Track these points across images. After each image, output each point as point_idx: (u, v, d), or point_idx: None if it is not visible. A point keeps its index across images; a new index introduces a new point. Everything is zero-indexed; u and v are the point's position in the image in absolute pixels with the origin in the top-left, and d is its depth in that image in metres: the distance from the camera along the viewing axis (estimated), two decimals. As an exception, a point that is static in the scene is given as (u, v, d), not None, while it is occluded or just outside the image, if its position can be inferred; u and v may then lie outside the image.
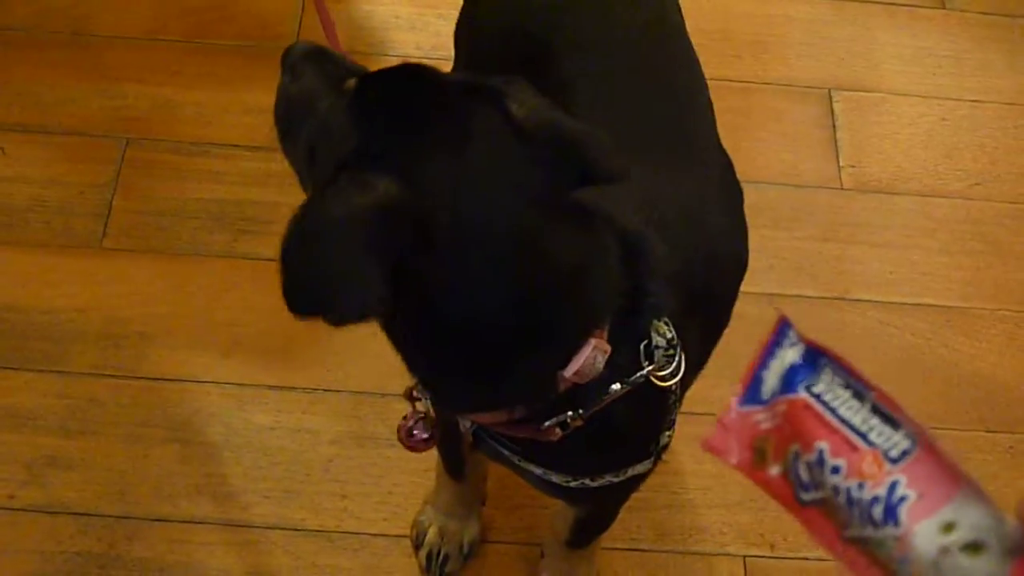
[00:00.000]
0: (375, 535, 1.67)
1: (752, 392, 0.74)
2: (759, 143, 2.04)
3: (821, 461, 0.70)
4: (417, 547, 1.69)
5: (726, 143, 1.94)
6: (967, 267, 1.96)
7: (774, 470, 0.73)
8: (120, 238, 1.90)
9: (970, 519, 0.64)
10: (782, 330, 0.75)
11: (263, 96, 2.03)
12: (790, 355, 0.74)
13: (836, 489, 0.69)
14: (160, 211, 1.93)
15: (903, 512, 0.66)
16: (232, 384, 1.78)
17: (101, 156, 1.99)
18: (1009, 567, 0.63)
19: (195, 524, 1.67)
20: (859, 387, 0.70)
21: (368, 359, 1.80)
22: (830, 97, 2.13)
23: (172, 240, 1.91)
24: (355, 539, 1.67)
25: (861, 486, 0.67)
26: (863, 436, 0.69)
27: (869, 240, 1.96)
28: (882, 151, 2.08)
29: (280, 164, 1.95)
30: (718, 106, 2.02)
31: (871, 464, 0.68)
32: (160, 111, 2.04)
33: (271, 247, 1.83)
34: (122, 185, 1.95)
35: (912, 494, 0.66)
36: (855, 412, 0.70)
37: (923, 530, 0.65)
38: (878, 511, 0.66)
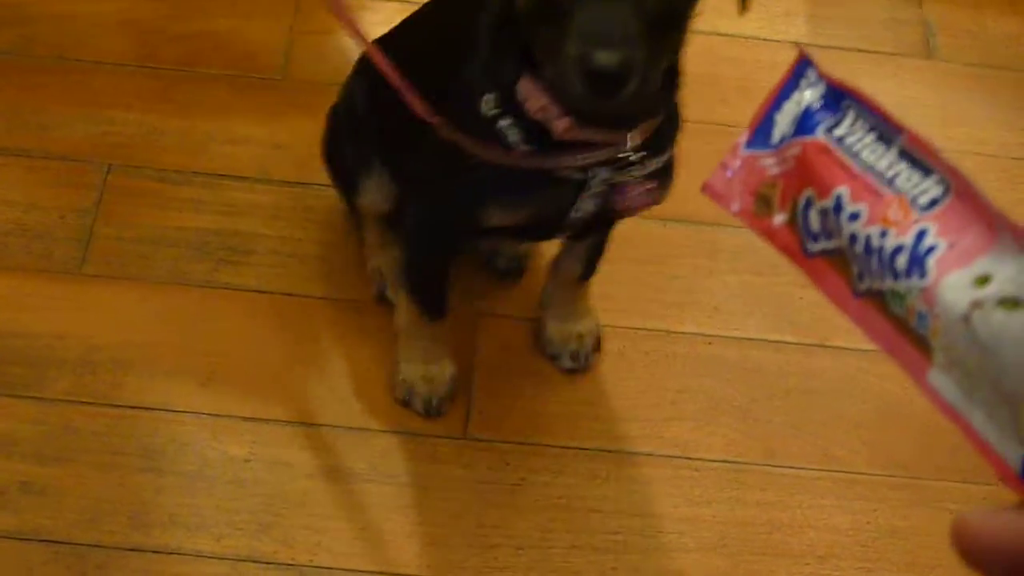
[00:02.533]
0: (349, 570, 1.66)
1: (761, 134, 0.68)
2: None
3: (839, 207, 0.64)
4: (406, 404, 1.78)
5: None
6: None
7: (779, 219, 0.68)
8: (100, 264, 1.90)
9: (1008, 272, 0.57)
10: (800, 68, 0.69)
11: (248, 126, 2.06)
12: (808, 96, 0.67)
13: (854, 237, 0.63)
14: (141, 238, 1.93)
15: (931, 262, 0.59)
16: (208, 415, 1.77)
17: (83, 181, 1.98)
18: None
19: (167, 555, 1.65)
20: (886, 130, 0.63)
21: (347, 394, 1.80)
22: (814, 143, 2.13)
23: (152, 268, 1.90)
24: (327, 573, 1.66)
25: (884, 234, 0.61)
26: (889, 182, 0.62)
27: (851, 287, 1.96)
28: (865, 198, 2.08)
29: (259, 194, 1.97)
30: (705, 149, 2.03)
31: (896, 210, 0.61)
32: (145, 138, 2.04)
33: (252, 278, 1.89)
34: (104, 211, 1.95)
35: (942, 243, 0.59)
36: (880, 156, 0.63)
37: (953, 282, 0.58)
38: (902, 261, 0.60)
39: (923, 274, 0.59)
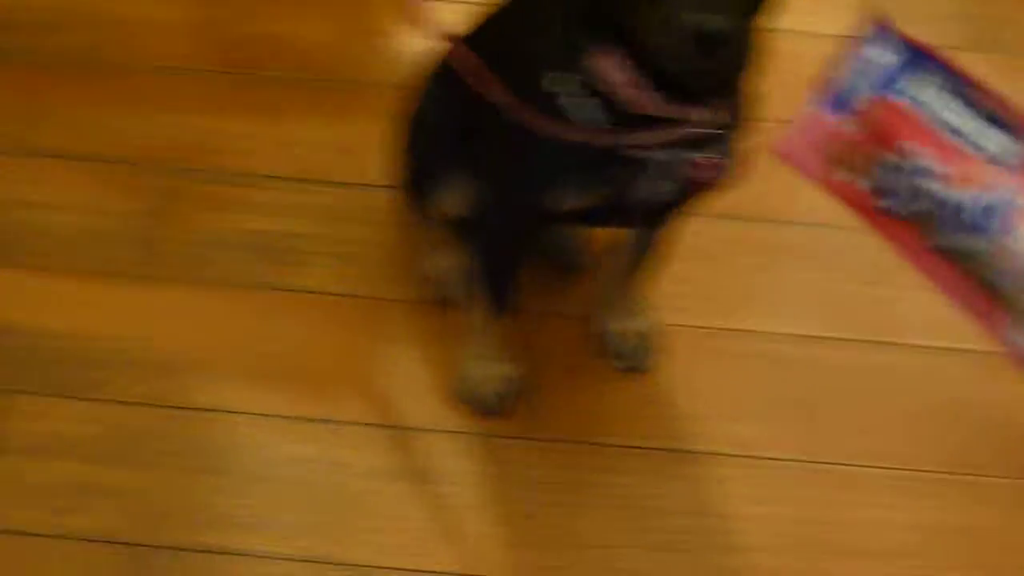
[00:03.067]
0: (408, 570, 1.66)
1: (832, 95, 0.68)
2: (802, 182, 2.02)
3: (916, 166, 0.64)
4: (469, 402, 1.79)
5: (770, 184, 1.93)
6: None
7: (851, 178, 0.68)
8: (163, 267, 1.91)
9: None
10: (879, 30, 0.68)
11: (304, 129, 2.08)
12: (887, 57, 0.67)
13: (933, 196, 0.63)
14: (201, 241, 1.94)
15: (1011, 218, 0.60)
16: (267, 415, 1.78)
17: (147, 185, 2.00)
18: None
19: (232, 555, 1.66)
20: (968, 91, 0.64)
21: (409, 394, 1.80)
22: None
23: (212, 270, 1.91)
24: (386, 574, 1.66)
25: (962, 191, 0.62)
26: (973, 143, 0.63)
27: (912, 282, 1.93)
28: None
29: (319, 196, 1.98)
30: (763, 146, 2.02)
31: (975, 168, 0.62)
32: (203, 141, 2.05)
33: (310, 279, 1.90)
34: (166, 214, 1.96)
35: (1021, 200, 0.60)
36: (966, 119, 0.64)
37: None
38: (988, 218, 0.61)
39: (1010, 231, 0.61)
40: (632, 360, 1.83)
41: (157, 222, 1.95)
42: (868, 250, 1.93)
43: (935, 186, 0.64)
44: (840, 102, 0.69)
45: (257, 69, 2.16)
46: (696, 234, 1.92)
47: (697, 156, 1.40)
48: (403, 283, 1.91)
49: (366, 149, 1.97)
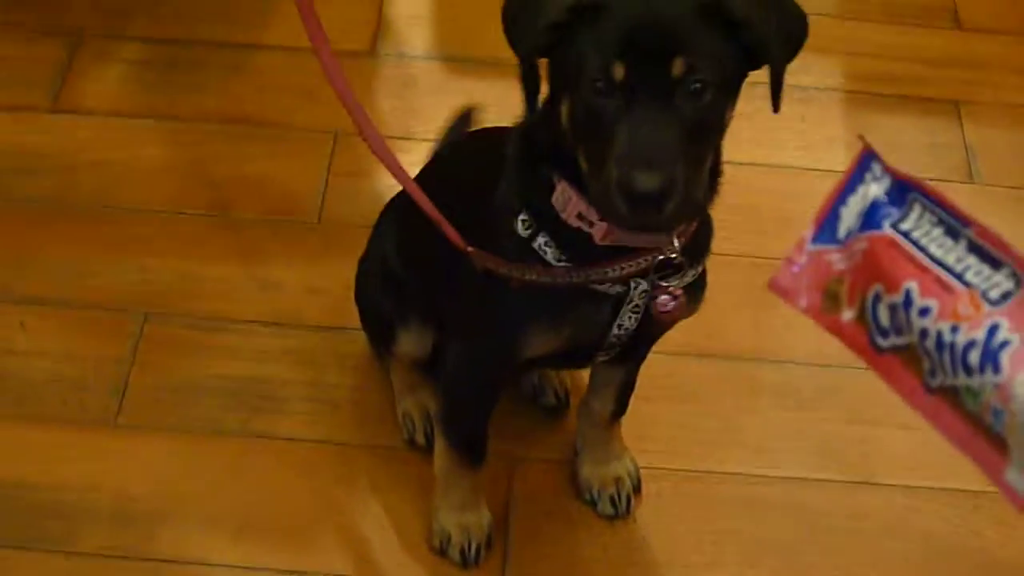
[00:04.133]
0: None
1: (827, 230, 0.69)
2: (786, 321, 2.00)
3: (908, 302, 0.64)
4: (443, 552, 1.74)
5: (746, 318, 1.93)
6: None
7: (847, 314, 0.67)
8: (135, 415, 1.89)
9: None
10: (865, 162, 0.68)
11: (282, 272, 2.06)
12: (874, 189, 0.68)
13: (924, 333, 0.63)
14: (176, 387, 1.92)
15: (1004, 358, 0.59)
16: (242, 567, 1.74)
17: (119, 331, 1.98)
18: None
19: None
20: (954, 223, 0.64)
21: (382, 544, 1.77)
22: (856, 273, 2.10)
23: (187, 417, 1.89)
24: None
25: (955, 329, 0.61)
26: (958, 276, 0.62)
27: (895, 421, 1.91)
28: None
29: (294, 340, 1.96)
30: (747, 283, 2.01)
31: (967, 305, 0.61)
32: (180, 285, 2.04)
33: (284, 426, 1.88)
34: (139, 361, 1.94)
35: (1016, 338, 0.59)
36: (949, 250, 0.64)
37: None
38: (975, 356, 0.60)
39: (997, 370, 0.59)
40: (611, 506, 1.80)
41: (131, 368, 1.93)
42: (852, 389, 1.93)
43: (927, 322, 0.63)
44: (833, 237, 0.69)
45: (232, 211, 2.15)
46: (671, 375, 1.91)
47: (664, 285, 1.42)
48: (379, 429, 1.88)
49: (340, 291, 1.95)
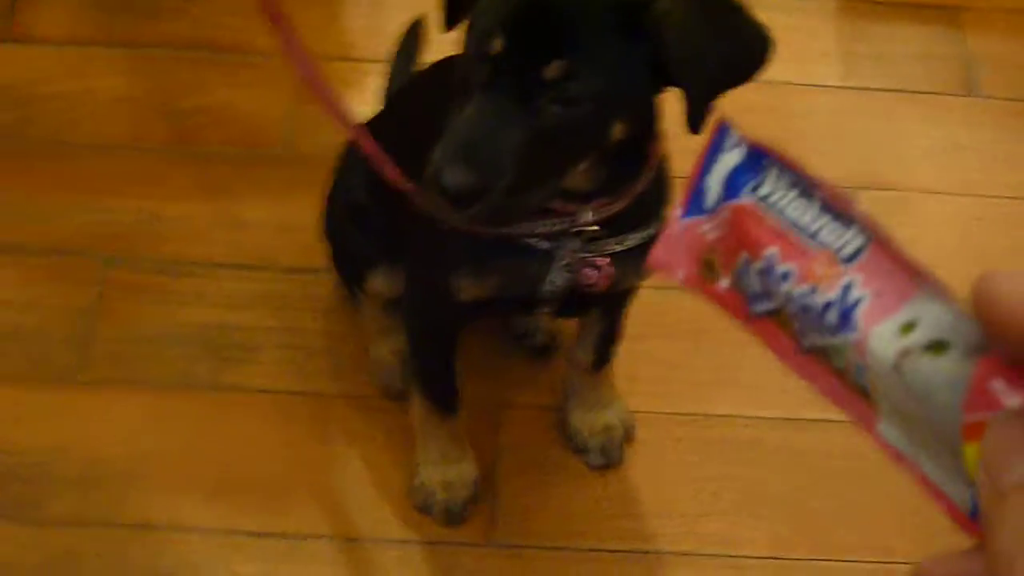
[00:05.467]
0: None
1: (695, 202, 0.68)
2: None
3: (771, 268, 0.63)
4: (427, 511, 1.66)
5: None
6: None
7: (724, 283, 0.66)
8: (101, 369, 1.79)
9: (931, 317, 0.57)
10: (722, 132, 0.67)
11: (251, 209, 1.95)
12: (732, 158, 0.66)
13: (788, 297, 0.62)
14: (143, 338, 1.82)
15: (859, 315, 0.59)
16: (217, 531, 1.66)
17: (82, 277, 1.88)
18: (973, 366, 0.55)
19: None
20: (807, 185, 0.63)
21: (362, 502, 1.69)
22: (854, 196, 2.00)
23: (156, 371, 1.80)
24: None
25: (814, 290, 0.61)
26: (813, 236, 0.62)
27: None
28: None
29: (265, 283, 1.86)
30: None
31: (823, 266, 0.61)
32: (143, 226, 1.93)
33: (256, 377, 1.78)
34: (103, 310, 1.84)
35: (867, 295, 0.59)
36: (803, 212, 0.62)
37: (881, 333, 0.58)
38: (832, 316, 0.60)
39: (853, 327, 0.60)
40: (601, 456, 1.73)
41: (92, 319, 1.83)
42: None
43: (788, 286, 0.62)
44: (701, 208, 0.67)
45: (195, 144, 2.03)
46: (664, 311, 1.82)
47: (586, 256, 1.34)
48: (355, 377, 1.80)
49: (313, 229, 1.84)
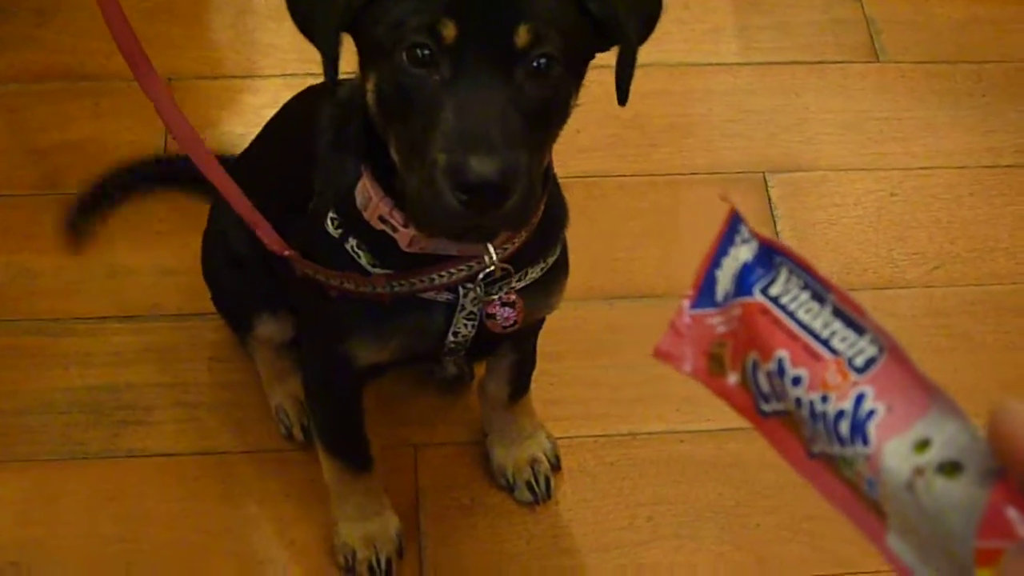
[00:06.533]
0: None
1: (705, 294, 0.69)
2: (691, 247, 1.82)
3: (781, 371, 0.64)
4: (350, 571, 1.56)
5: (653, 249, 1.74)
6: (937, 369, 1.71)
7: (732, 378, 0.67)
8: (-20, 446, 1.66)
9: (945, 436, 0.58)
10: (733, 225, 0.68)
11: (128, 253, 1.81)
12: (743, 252, 0.67)
13: (799, 402, 0.63)
14: (25, 408, 1.69)
15: (872, 428, 0.60)
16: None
17: (-48, 346, 1.74)
18: (988, 490, 0.55)
19: None
20: (819, 288, 0.64)
21: (282, 565, 1.58)
22: (765, 182, 1.91)
23: (42, 444, 1.66)
24: None
25: (825, 399, 0.62)
26: (825, 343, 0.63)
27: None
28: (829, 241, 1.87)
29: (153, 334, 1.73)
30: (640, 207, 1.81)
31: (835, 374, 0.62)
32: (15, 283, 1.79)
33: (158, 439, 1.65)
34: (-26, 379, 1.71)
35: (881, 408, 0.60)
36: (815, 316, 0.64)
37: (894, 448, 0.59)
38: (844, 427, 0.61)
39: (865, 440, 0.60)
40: (528, 492, 1.63)
41: (-33, 390, 1.69)
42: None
43: (799, 392, 0.63)
44: (712, 300, 0.68)
45: (62, 187, 1.88)
46: (579, 324, 1.73)
47: (492, 298, 1.23)
48: (260, 429, 1.68)
49: (198, 268, 1.69)
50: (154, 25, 1.99)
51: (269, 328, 1.58)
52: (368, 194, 1.17)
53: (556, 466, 1.65)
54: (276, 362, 1.66)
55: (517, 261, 1.23)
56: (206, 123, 1.93)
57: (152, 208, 1.86)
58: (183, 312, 1.77)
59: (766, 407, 0.66)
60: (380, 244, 1.20)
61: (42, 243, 1.83)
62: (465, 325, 1.26)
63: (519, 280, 1.25)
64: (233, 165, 1.41)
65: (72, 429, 1.68)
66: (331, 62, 1.09)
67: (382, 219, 1.17)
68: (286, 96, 1.53)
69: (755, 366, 0.65)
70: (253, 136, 1.59)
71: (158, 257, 1.81)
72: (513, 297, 1.24)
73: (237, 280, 1.58)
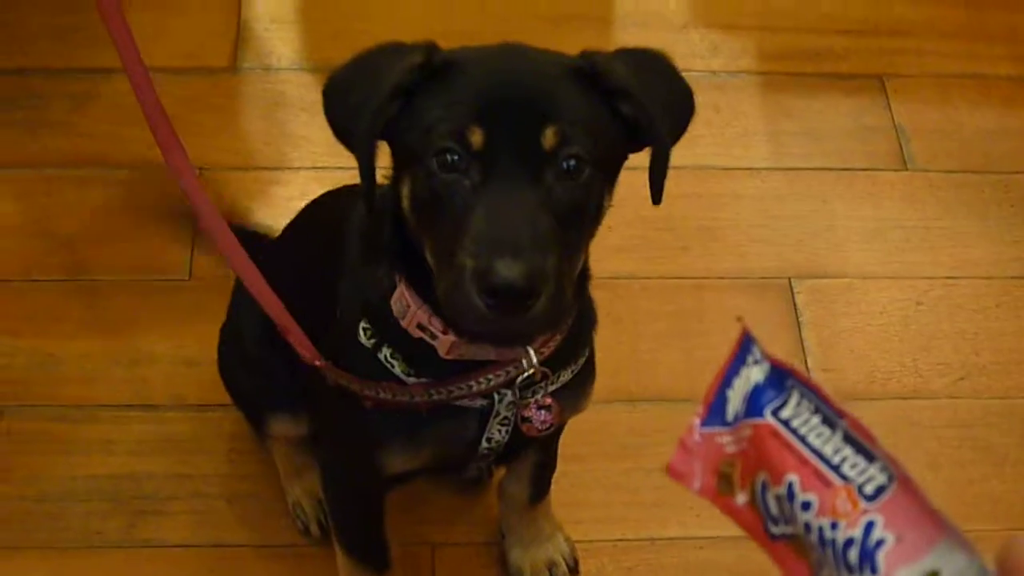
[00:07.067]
0: None
1: (715, 412, 0.70)
2: (715, 351, 1.82)
3: (791, 495, 0.65)
4: None
5: (677, 352, 1.82)
6: (959, 481, 1.75)
7: (741, 498, 0.68)
8: (2, 533, 1.65)
9: (954, 568, 0.59)
10: (745, 346, 0.69)
11: (151, 342, 1.81)
12: (755, 373, 0.69)
13: (808, 527, 0.64)
14: (45, 496, 1.69)
15: (881, 557, 0.60)
16: None
17: (-31, 431, 1.74)
18: None
19: None
20: (829, 413, 0.65)
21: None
22: (791, 288, 1.91)
23: (60, 531, 1.66)
24: None
25: (835, 526, 0.62)
26: (835, 469, 0.64)
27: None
28: (854, 349, 1.86)
29: (173, 424, 1.73)
30: (666, 309, 1.81)
31: (845, 501, 0.63)
32: (39, 369, 1.80)
33: (175, 530, 1.64)
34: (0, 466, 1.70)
35: (890, 537, 0.61)
36: (826, 441, 0.65)
37: None
38: (853, 555, 0.61)
39: (874, 569, 0.60)
40: None
41: (-13, 476, 1.70)
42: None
43: (808, 517, 0.64)
44: (722, 419, 0.69)
45: (96, 273, 1.89)
46: (601, 427, 1.73)
47: (529, 400, 1.22)
48: (276, 523, 1.68)
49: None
50: (186, 113, 2.01)
51: (285, 426, 1.58)
52: (406, 302, 1.17)
53: (574, 569, 1.64)
54: (293, 457, 1.66)
55: (550, 364, 1.22)
56: (241, 213, 1.94)
57: (175, 295, 1.86)
58: (203, 402, 1.77)
59: (775, 529, 0.66)
60: (414, 352, 1.19)
61: (67, 329, 1.83)
62: (499, 431, 1.25)
63: (551, 383, 1.24)
64: (263, 259, 1.40)
65: (91, 518, 1.68)
66: (368, 170, 1.10)
67: (421, 327, 1.17)
68: (316, 189, 1.54)
69: (764, 488, 0.66)
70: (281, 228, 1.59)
71: (180, 346, 1.82)
72: (549, 400, 1.23)
73: (253, 379, 1.58)
